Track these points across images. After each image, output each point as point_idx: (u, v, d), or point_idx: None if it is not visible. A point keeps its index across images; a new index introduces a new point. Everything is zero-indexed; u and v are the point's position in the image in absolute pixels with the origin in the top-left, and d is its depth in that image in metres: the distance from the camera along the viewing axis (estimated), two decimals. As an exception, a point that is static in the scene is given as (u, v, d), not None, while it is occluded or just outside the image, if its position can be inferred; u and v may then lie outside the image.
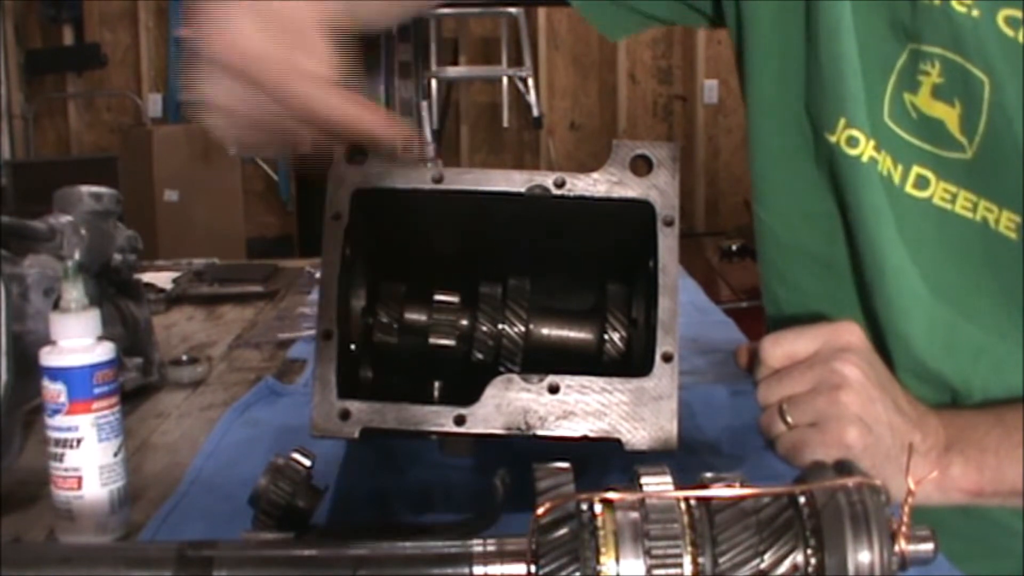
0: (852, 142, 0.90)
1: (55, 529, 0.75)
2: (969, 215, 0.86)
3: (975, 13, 0.83)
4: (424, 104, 4.54)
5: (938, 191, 0.88)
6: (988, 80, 0.83)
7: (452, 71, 5.09)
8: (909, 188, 0.89)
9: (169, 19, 5.03)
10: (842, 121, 0.90)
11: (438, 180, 0.75)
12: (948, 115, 0.86)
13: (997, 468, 0.79)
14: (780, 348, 0.79)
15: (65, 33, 5.10)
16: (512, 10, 4.86)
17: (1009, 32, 0.81)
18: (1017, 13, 0.81)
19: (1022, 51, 0.81)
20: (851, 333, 0.79)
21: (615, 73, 5.29)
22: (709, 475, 0.53)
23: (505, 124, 5.22)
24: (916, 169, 0.88)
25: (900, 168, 0.89)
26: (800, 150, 0.95)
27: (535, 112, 4.92)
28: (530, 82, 4.90)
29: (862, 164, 0.90)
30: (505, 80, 5.09)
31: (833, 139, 0.91)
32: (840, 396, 0.76)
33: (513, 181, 0.75)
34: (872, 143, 0.89)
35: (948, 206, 0.87)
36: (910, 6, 0.86)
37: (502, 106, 5.18)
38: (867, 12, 0.88)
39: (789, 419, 0.78)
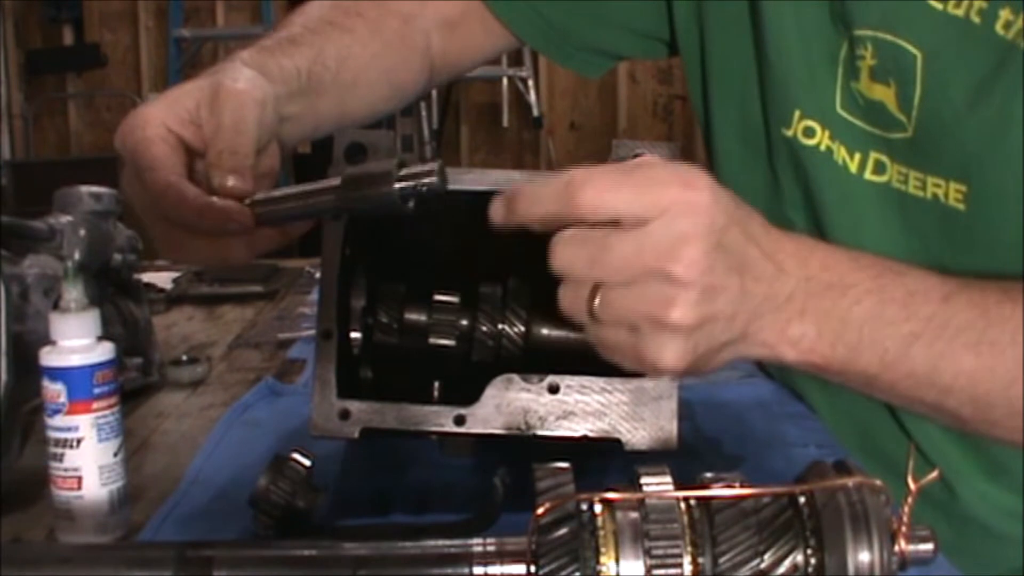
0: (808, 132, 0.92)
1: (55, 529, 0.75)
2: (920, 193, 0.87)
3: None
4: (424, 104, 4.54)
5: (894, 174, 0.89)
6: (920, 53, 0.84)
7: (452, 71, 5.08)
8: (868, 175, 0.90)
9: (169, 19, 5.03)
10: (796, 113, 0.92)
11: (438, 180, 0.75)
12: (886, 95, 0.87)
13: (854, 348, 0.67)
14: (594, 194, 0.61)
15: (65, 33, 5.09)
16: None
17: (938, 5, 0.82)
18: None
19: (952, 22, 0.81)
20: (697, 200, 0.61)
21: (615, 73, 5.28)
22: (709, 475, 0.53)
23: (505, 124, 5.21)
24: (873, 155, 0.89)
25: (858, 156, 0.90)
26: (761, 159, 0.97)
27: (535, 112, 4.92)
28: (530, 82, 4.90)
29: (819, 152, 0.91)
30: (505, 80, 5.09)
31: (789, 133, 0.92)
32: (670, 313, 0.61)
33: (513, 181, 0.75)
34: (827, 132, 0.91)
35: (903, 187, 0.88)
36: None
37: (502, 106, 5.18)
38: (810, 9, 0.90)
39: (598, 314, 0.63)
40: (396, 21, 0.99)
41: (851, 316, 0.66)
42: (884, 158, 0.89)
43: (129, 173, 0.76)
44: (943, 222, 0.85)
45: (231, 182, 0.73)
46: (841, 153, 0.90)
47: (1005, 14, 0.79)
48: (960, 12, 0.81)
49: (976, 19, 0.80)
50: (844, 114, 0.90)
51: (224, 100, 0.77)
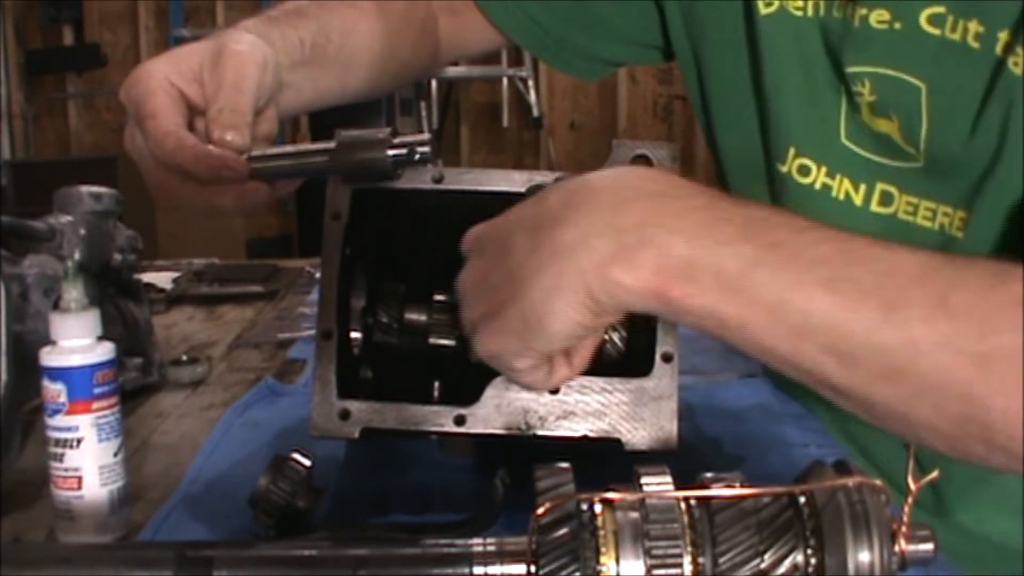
0: (803, 170, 0.90)
1: (55, 529, 0.75)
2: (929, 224, 0.85)
3: (897, 25, 0.82)
4: (424, 104, 4.54)
5: (902, 205, 0.87)
6: (924, 84, 0.82)
7: (452, 71, 5.08)
8: (874, 206, 0.88)
9: (169, 19, 5.03)
10: (791, 150, 0.90)
11: (438, 180, 0.75)
12: (890, 128, 0.85)
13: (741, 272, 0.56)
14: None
15: (65, 33, 5.09)
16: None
17: (935, 31, 0.80)
18: (940, 9, 0.80)
19: (950, 47, 0.80)
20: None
21: (615, 73, 5.27)
22: (709, 475, 0.53)
23: (505, 124, 5.21)
24: (880, 186, 0.88)
25: (863, 188, 0.88)
26: (760, 183, 0.95)
27: (535, 112, 4.91)
28: (530, 82, 4.90)
29: (815, 192, 0.89)
30: (505, 80, 5.09)
31: (784, 169, 0.91)
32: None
33: (513, 181, 0.75)
34: (824, 169, 0.89)
35: (911, 219, 0.86)
36: (839, 29, 0.86)
37: (502, 106, 5.18)
38: (807, 39, 0.88)
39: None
40: (402, 1, 1.00)
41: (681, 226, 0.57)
42: (892, 189, 0.87)
43: (131, 126, 0.79)
44: (942, 251, 0.85)
45: (229, 136, 0.75)
46: (844, 186, 0.89)
47: (1004, 36, 0.77)
48: (956, 36, 0.79)
49: (974, 44, 0.79)
50: (850, 144, 0.88)
51: (226, 60, 0.79)
